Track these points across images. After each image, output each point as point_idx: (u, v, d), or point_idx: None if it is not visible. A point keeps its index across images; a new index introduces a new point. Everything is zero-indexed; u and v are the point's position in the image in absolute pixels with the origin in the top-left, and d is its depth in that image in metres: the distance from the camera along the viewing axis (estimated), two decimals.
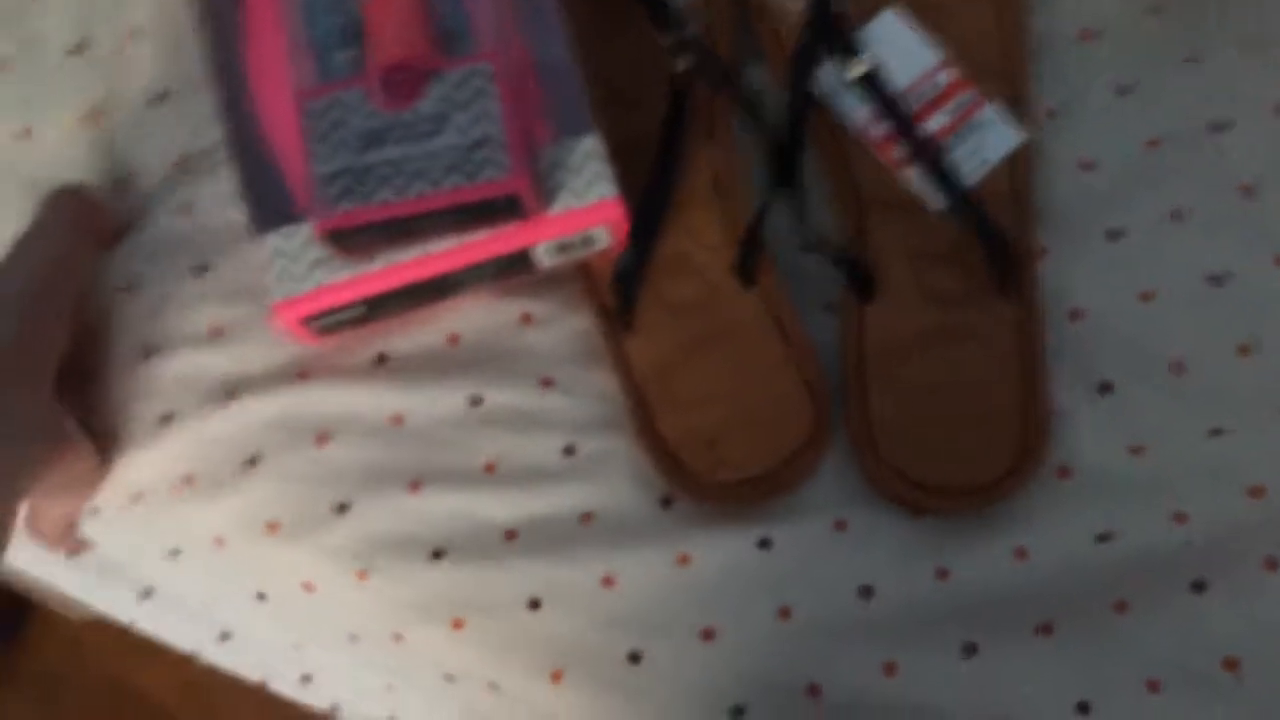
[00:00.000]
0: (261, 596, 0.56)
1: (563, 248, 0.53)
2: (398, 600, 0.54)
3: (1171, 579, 0.52)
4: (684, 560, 0.53)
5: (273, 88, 0.54)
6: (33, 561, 0.58)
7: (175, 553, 0.56)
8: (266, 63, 0.54)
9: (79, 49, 0.61)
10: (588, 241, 0.53)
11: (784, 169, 0.54)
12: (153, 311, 0.58)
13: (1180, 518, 0.52)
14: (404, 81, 0.50)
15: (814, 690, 0.52)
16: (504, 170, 0.49)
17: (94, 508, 0.57)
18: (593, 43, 0.56)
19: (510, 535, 0.55)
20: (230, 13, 0.55)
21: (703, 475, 0.53)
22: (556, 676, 0.53)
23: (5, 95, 0.63)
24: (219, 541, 0.56)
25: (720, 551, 0.53)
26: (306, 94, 0.51)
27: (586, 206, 0.51)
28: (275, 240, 0.52)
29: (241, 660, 0.62)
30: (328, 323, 0.53)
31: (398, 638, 0.54)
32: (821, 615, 0.52)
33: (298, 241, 0.52)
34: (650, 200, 0.55)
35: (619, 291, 0.55)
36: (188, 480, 0.56)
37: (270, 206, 0.53)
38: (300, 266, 0.52)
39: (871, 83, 0.55)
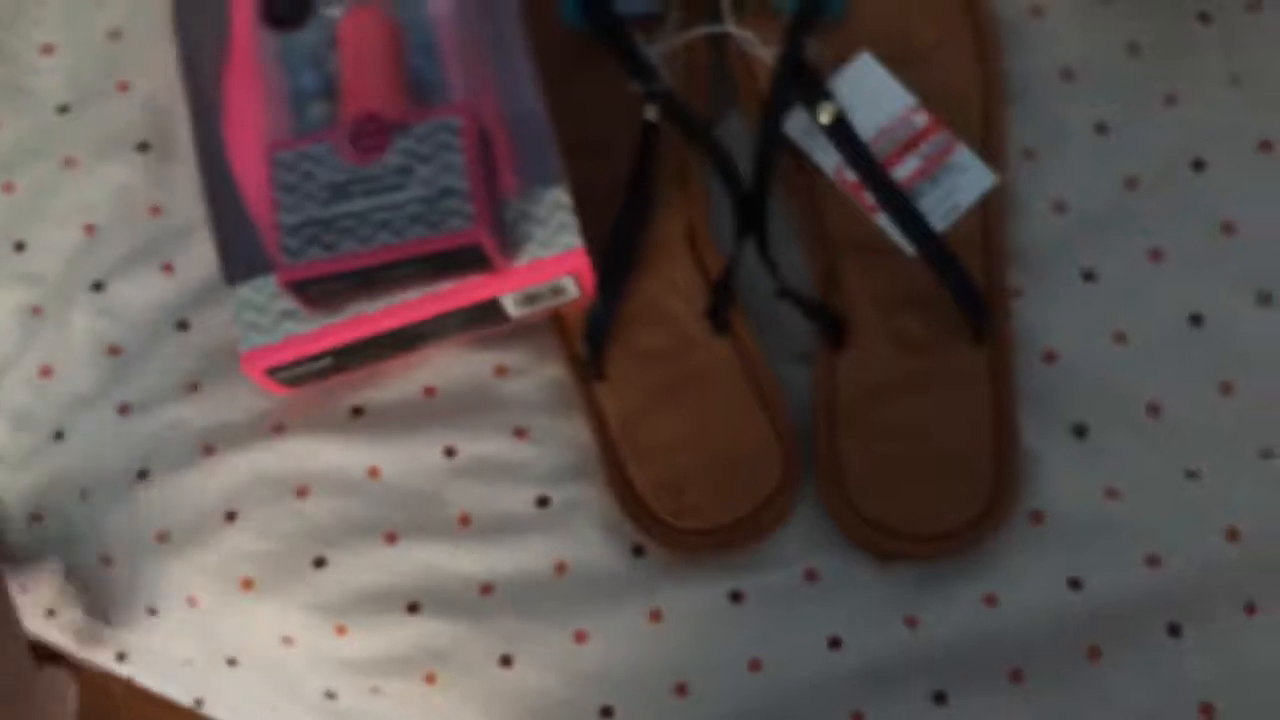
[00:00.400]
0: (232, 662, 0.57)
1: (530, 298, 0.54)
2: (375, 653, 0.55)
3: (1146, 624, 0.53)
4: (655, 616, 0.55)
5: (249, 141, 0.55)
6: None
7: (152, 611, 0.57)
8: (244, 116, 0.56)
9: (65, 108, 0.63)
10: (556, 291, 0.54)
11: (751, 215, 0.54)
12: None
13: (1154, 561, 0.52)
14: (371, 134, 0.52)
15: None
16: (467, 221, 0.51)
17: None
18: (565, 91, 0.57)
19: (485, 589, 0.56)
20: (211, 66, 0.57)
21: (672, 523, 0.54)
22: None
23: None
24: (191, 601, 0.57)
25: (692, 605, 0.55)
26: (276, 145, 0.53)
27: (552, 257, 0.52)
28: (245, 292, 0.54)
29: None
30: (295, 374, 0.55)
31: (375, 691, 0.55)
32: (791, 668, 0.54)
33: (267, 293, 0.54)
34: (617, 248, 0.56)
35: (590, 342, 0.55)
36: (162, 537, 0.57)
37: (242, 258, 0.55)
38: (268, 318, 0.54)
39: (841, 128, 0.55)
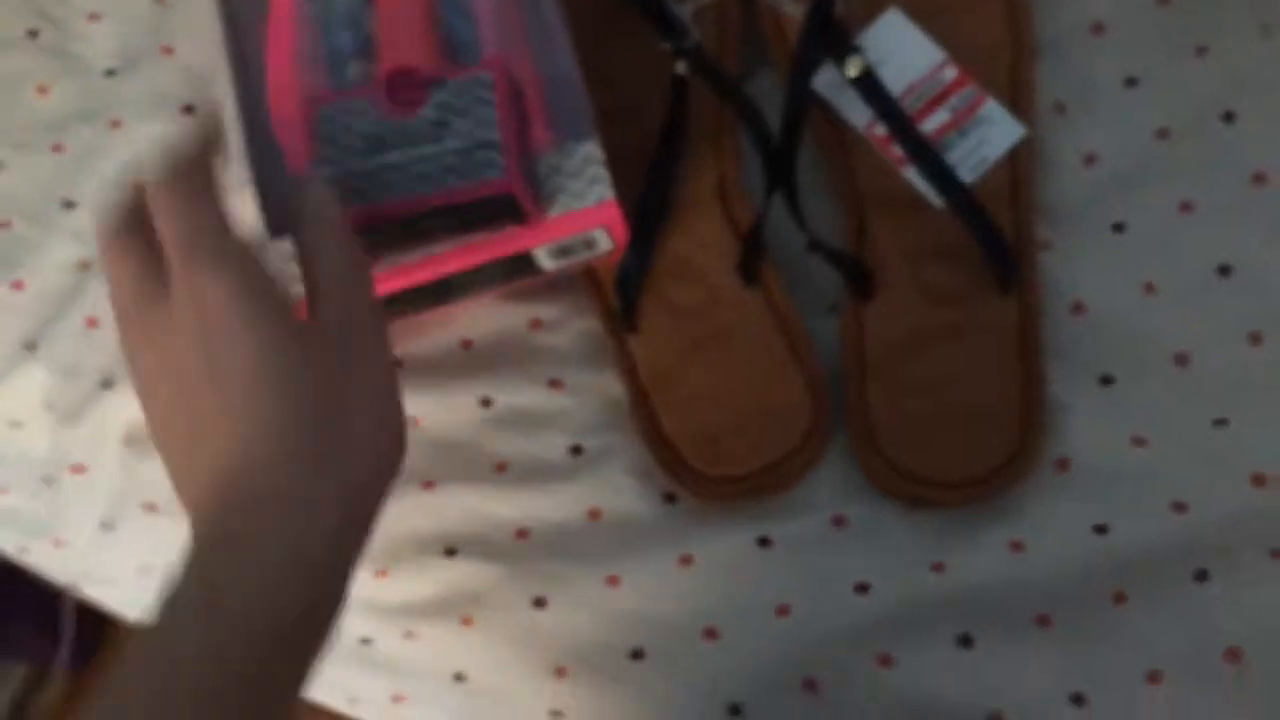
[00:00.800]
0: None
1: (563, 250, 0.55)
2: (413, 596, 0.56)
3: (1172, 569, 0.53)
4: (686, 560, 0.56)
5: (288, 97, 0.56)
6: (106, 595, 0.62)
7: None
8: (282, 74, 0.57)
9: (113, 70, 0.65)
10: (589, 244, 0.55)
11: (781, 170, 0.55)
12: None
13: (1180, 507, 0.52)
14: (407, 88, 0.53)
15: (811, 685, 0.53)
16: (500, 171, 0.51)
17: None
18: (598, 54, 0.58)
19: (521, 534, 0.57)
20: (251, 28, 0.58)
21: (704, 471, 0.55)
22: (561, 673, 0.55)
23: None
24: None
25: (721, 551, 0.56)
26: (316, 99, 0.54)
27: (584, 209, 0.53)
28: (287, 244, 0.55)
29: None
30: None
31: (409, 635, 0.56)
32: (819, 612, 0.54)
33: None
34: (649, 202, 0.57)
35: (622, 294, 0.56)
36: None
37: (283, 211, 0.56)
38: None
39: (869, 82, 0.55)
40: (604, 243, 0.56)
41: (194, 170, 0.44)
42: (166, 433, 0.43)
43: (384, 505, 0.43)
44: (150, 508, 0.59)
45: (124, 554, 0.60)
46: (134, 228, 0.44)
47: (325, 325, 0.43)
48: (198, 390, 0.41)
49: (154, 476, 0.59)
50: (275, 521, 0.40)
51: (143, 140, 0.63)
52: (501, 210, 0.53)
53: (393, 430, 0.44)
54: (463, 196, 0.51)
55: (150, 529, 0.59)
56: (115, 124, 0.64)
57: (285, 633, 0.39)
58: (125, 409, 0.60)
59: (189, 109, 0.63)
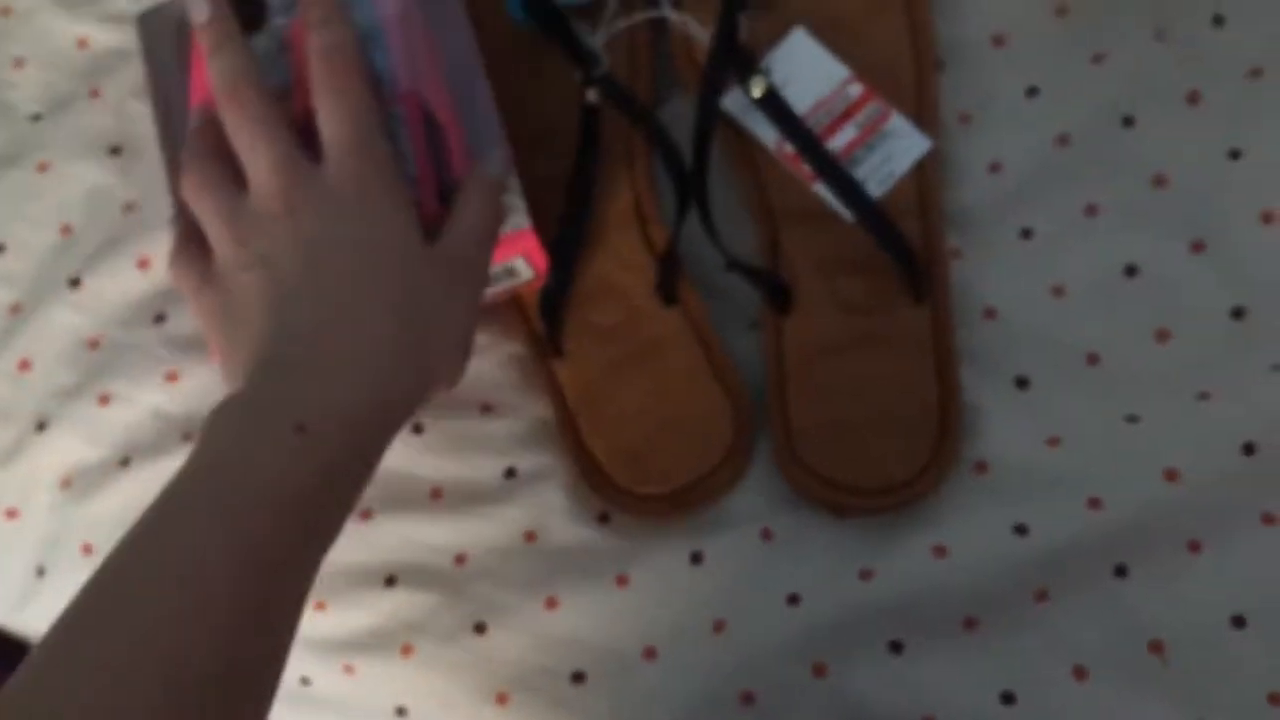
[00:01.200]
0: None
1: None
2: (353, 628, 0.57)
3: (1092, 566, 0.54)
4: (622, 580, 0.56)
5: None
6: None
7: None
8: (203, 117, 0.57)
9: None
10: (510, 273, 0.56)
11: (693, 189, 0.56)
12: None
13: (1096, 504, 0.53)
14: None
15: (749, 698, 0.54)
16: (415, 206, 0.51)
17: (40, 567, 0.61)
18: (512, 84, 0.59)
19: (459, 560, 0.57)
20: (174, 73, 0.58)
21: (631, 489, 0.56)
22: (502, 699, 0.56)
23: None
24: None
25: (656, 570, 0.56)
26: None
27: (502, 238, 0.53)
28: None
29: None
30: None
31: (348, 670, 0.56)
32: (753, 626, 0.55)
33: None
34: (567, 228, 0.57)
35: (545, 318, 0.57)
36: None
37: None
38: None
39: (773, 101, 0.56)
40: (525, 271, 0.57)
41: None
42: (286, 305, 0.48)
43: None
44: (87, 549, 0.59)
45: (56, 602, 0.60)
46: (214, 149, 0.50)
47: (445, 245, 0.50)
48: (334, 257, 0.48)
49: (91, 519, 0.60)
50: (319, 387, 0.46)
51: (71, 181, 0.64)
52: None
53: (458, 359, 0.52)
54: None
55: (82, 572, 0.59)
56: (42, 166, 0.64)
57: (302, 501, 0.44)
58: (60, 451, 0.60)
59: (116, 150, 0.64)
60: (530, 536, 0.57)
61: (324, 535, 0.46)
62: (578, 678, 0.55)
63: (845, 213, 0.57)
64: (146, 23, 0.60)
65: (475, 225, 0.51)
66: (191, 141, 0.51)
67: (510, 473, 0.58)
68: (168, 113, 0.58)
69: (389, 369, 0.47)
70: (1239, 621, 0.52)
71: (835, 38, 0.59)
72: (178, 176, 0.57)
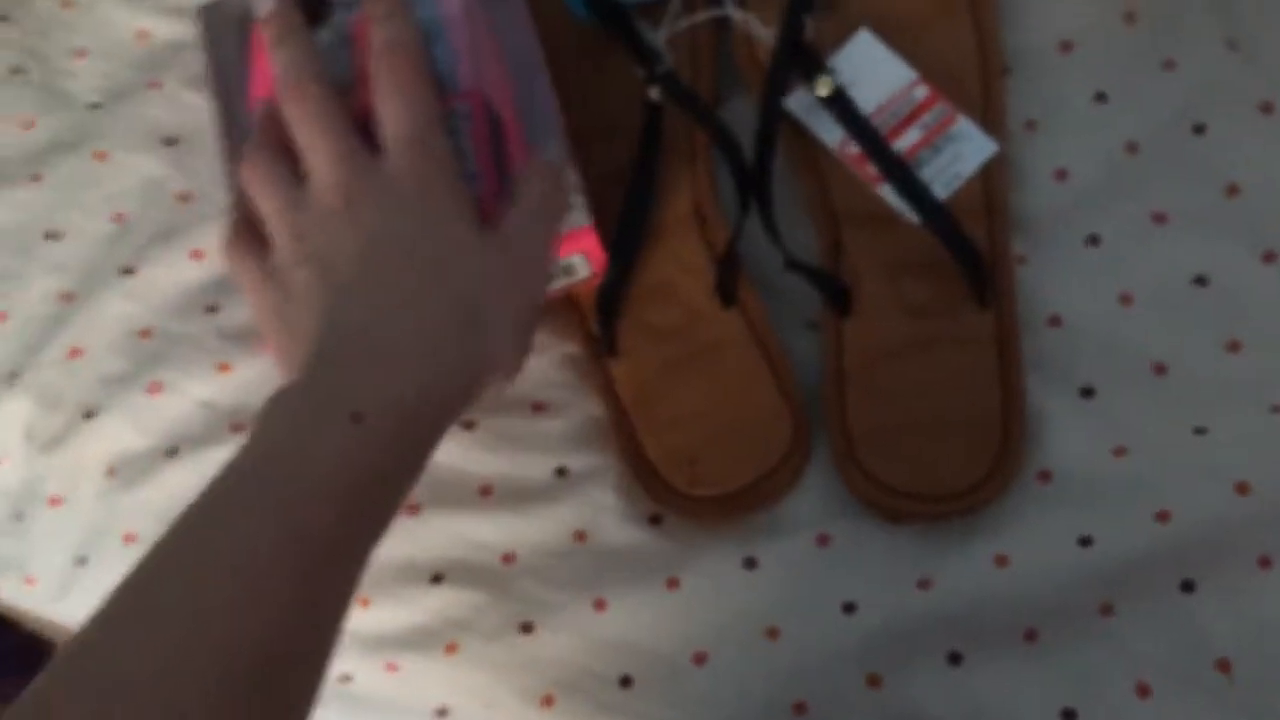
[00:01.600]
0: None
1: None
2: (398, 626, 0.56)
3: (1158, 580, 0.52)
4: (673, 584, 0.55)
5: None
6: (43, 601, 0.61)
7: None
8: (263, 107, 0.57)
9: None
10: (568, 270, 0.55)
11: (755, 190, 0.55)
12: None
13: (1164, 516, 0.52)
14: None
15: (801, 708, 0.53)
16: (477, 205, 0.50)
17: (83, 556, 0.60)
18: (574, 81, 0.58)
19: (507, 559, 0.56)
20: (235, 67, 0.58)
21: (685, 492, 0.54)
22: (548, 702, 0.54)
23: None
24: None
25: (707, 573, 0.55)
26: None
27: (562, 236, 0.53)
28: None
29: None
30: None
31: (391, 667, 0.55)
32: (807, 634, 0.54)
33: None
34: (626, 226, 0.57)
35: (601, 317, 0.56)
36: None
37: None
38: None
39: (840, 101, 0.56)
40: (582, 269, 0.56)
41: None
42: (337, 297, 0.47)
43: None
44: (130, 539, 0.58)
45: (95, 593, 0.59)
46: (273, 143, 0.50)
47: (505, 235, 0.48)
48: (396, 248, 0.47)
49: (136, 507, 0.59)
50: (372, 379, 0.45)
51: (128, 173, 0.63)
52: None
53: (518, 353, 0.50)
54: None
55: (126, 562, 0.58)
56: (100, 155, 0.64)
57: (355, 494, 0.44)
58: (108, 439, 0.60)
59: (172, 141, 0.63)
60: (580, 536, 0.56)
61: (376, 527, 0.45)
62: (625, 681, 0.54)
63: (910, 215, 0.56)
64: (208, 14, 0.60)
65: (537, 212, 0.50)
66: (254, 134, 0.50)
67: (561, 471, 0.57)
68: (228, 105, 0.58)
69: (446, 361, 0.47)
70: None
71: (900, 40, 0.58)
72: (236, 169, 0.57)
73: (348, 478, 0.43)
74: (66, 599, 0.59)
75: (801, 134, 0.59)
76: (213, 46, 0.59)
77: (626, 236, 0.57)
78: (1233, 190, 0.56)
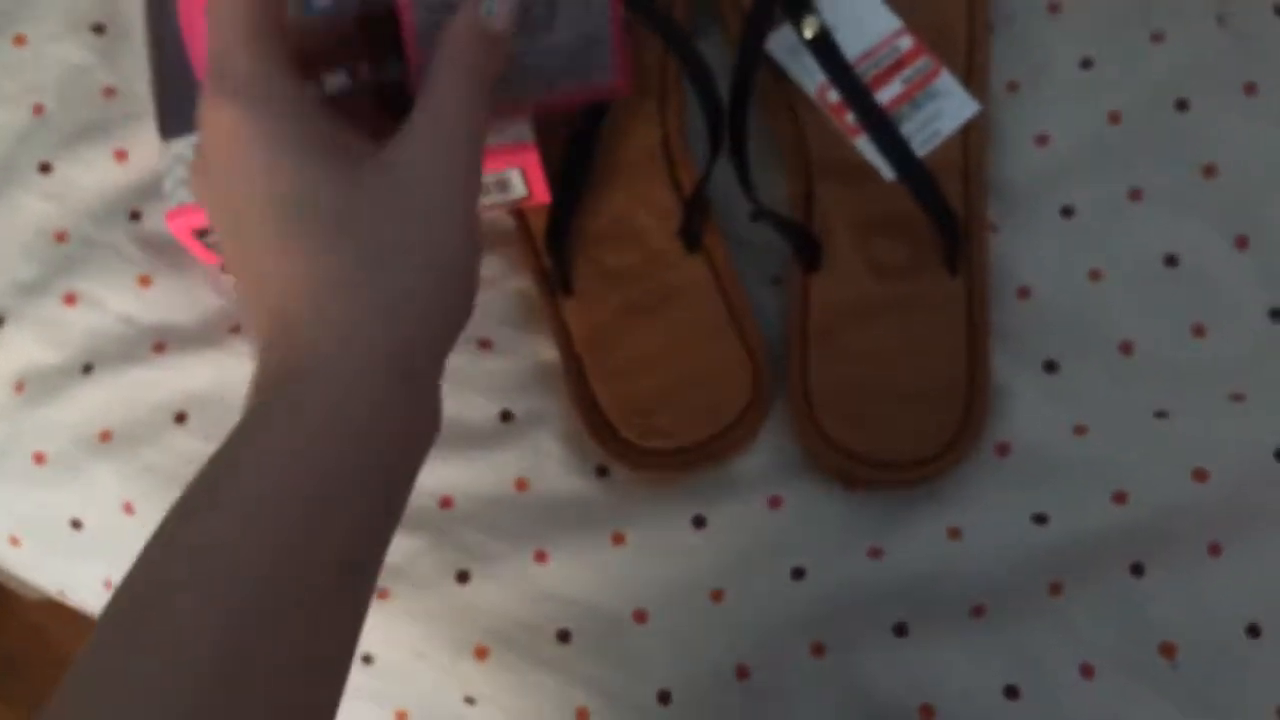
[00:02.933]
0: None
1: None
2: None
3: (1109, 561, 0.51)
4: (618, 539, 0.52)
5: None
6: None
7: (77, 524, 0.54)
8: None
9: None
10: (502, 185, 0.52)
11: (728, 132, 0.51)
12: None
13: (1120, 498, 0.51)
14: None
15: (742, 672, 0.51)
16: (607, 74, 0.44)
17: None
18: None
19: (444, 503, 0.53)
20: None
21: (636, 443, 0.52)
22: (481, 653, 0.51)
23: None
24: (127, 509, 0.53)
25: (655, 530, 0.53)
26: None
27: (500, 145, 0.49)
28: (180, 147, 0.51)
29: None
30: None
31: None
32: (753, 598, 0.52)
33: None
34: (578, 153, 0.53)
35: (553, 251, 0.53)
36: (105, 436, 0.54)
37: (181, 114, 0.52)
38: None
39: (825, 45, 0.52)
40: (518, 187, 0.52)
41: None
42: (232, 267, 0.40)
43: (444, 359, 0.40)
44: (39, 459, 0.54)
45: None
46: None
47: (394, 164, 0.38)
48: (238, 224, 0.38)
49: (46, 426, 0.54)
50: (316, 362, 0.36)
51: (50, 60, 0.57)
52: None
53: (460, 285, 0.39)
54: (567, 98, 0.45)
55: (34, 483, 0.54)
56: (19, 40, 0.58)
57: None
58: (16, 351, 0.55)
59: (99, 28, 0.58)
60: (522, 484, 0.53)
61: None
62: (563, 636, 0.51)
63: (886, 171, 0.53)
64: None
65: (431, 130, 0.39)
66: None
67: (506, 415, 0.54)
68: None
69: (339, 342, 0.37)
70: (1254, 630, 0.49)
71: None
72: (156, 35, 0.52)
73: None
74: None
75: (779, 78, 0.55)
76: None
77: (577, 162, 0.53)
78: (1210, 171, 0.54)
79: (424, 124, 0.38)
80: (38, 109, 0.57)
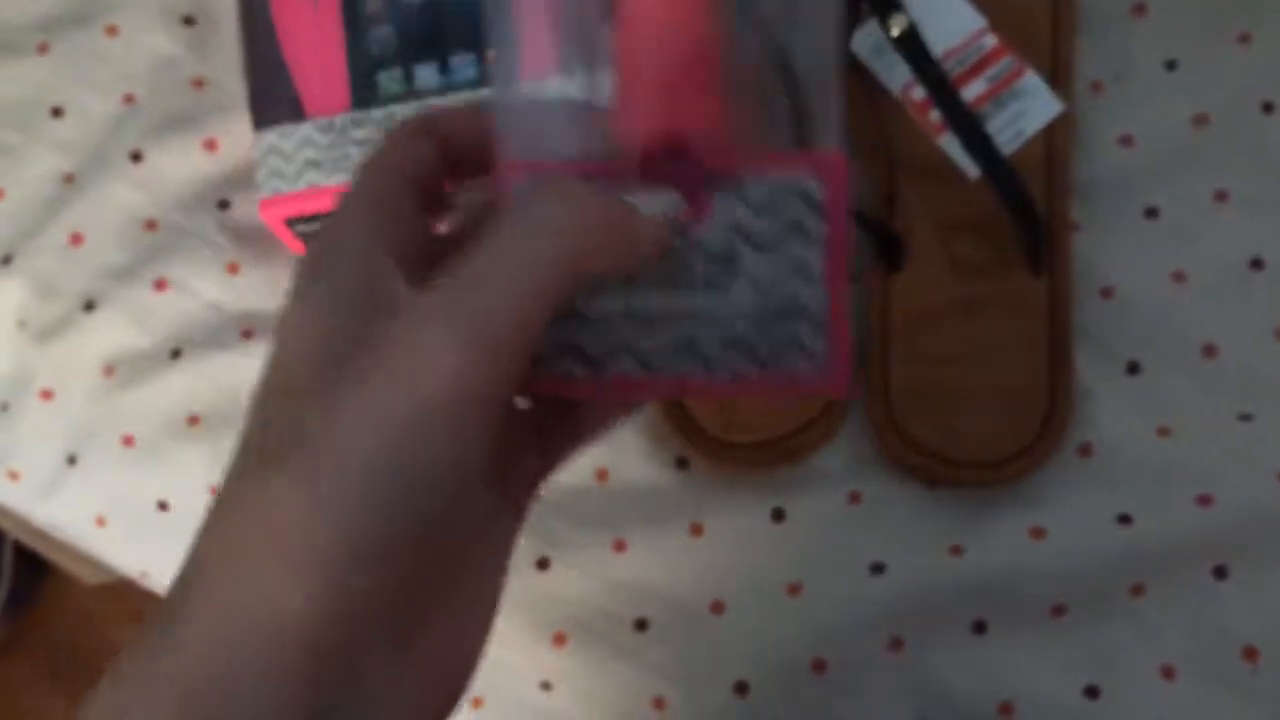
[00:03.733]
0: None
1: None
2: None
3: (1192, 564, 0.50)
4: (697, 530, 0.52)
5: None
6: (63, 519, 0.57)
7: (164, 506, 0.55)
8: None
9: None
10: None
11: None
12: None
13: (1205, 500, 0.50)
14: (681, 180, 0.30)
15: (819, 666, 0.50)
16: (817, 363, 0.31)
17: None
18: None
19: None
20: None
21: (717, 436, 0.51)
22: (559, 640, 0.51)
23: None
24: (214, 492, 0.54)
25: (733, 522, 0.52)
26: (507, 172, 0.31)
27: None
28: (272, 137, 0.51)
29: None
30: (313, 229, 0.52)
31: None
32: (831, 592, 0.51)
33: (294, 141, 0.51)
34: None
35: None
36: (193, 420, 0.54)
37: (273, 103, 0.52)
38: (294, 166, 0.51)
39: (911, 43, 0.52)
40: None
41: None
42: None
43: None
44: (128, 441, 0.54)
45: (85, 495, 0.55)
46: None
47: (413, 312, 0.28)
48: None
49: (135, 409, 0.55)
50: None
51: (141, 51, 0.58)
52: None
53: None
54: (748, 388, 0.31)
55: (122, 465, 0.54)
56: (111, 30, 0.59)
57: None
58: (107, 335, 0.55)
59: (190, 20, 0.58)
60: (602, 475, 0.53)
61: None
62: (640, 625, 0.52)
63: (970, 170, 0.53)
64: None
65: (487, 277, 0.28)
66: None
67: None
68: None
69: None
70: None
71: None
72: (253, 50, 0.53)
73: None
74: (54, 498, 0.55)
75: (862, 74, 0.55)
76: None
77: None
78: None
79: (451, 291, 0.28)
80: (129, 98, 0.58)
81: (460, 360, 0.27)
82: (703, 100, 0.30)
